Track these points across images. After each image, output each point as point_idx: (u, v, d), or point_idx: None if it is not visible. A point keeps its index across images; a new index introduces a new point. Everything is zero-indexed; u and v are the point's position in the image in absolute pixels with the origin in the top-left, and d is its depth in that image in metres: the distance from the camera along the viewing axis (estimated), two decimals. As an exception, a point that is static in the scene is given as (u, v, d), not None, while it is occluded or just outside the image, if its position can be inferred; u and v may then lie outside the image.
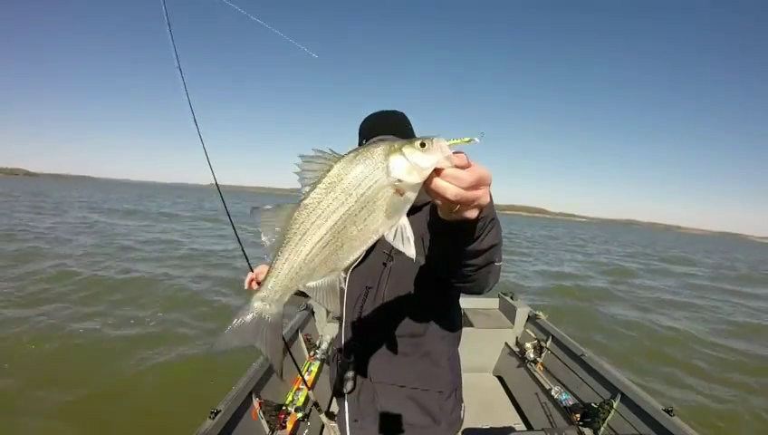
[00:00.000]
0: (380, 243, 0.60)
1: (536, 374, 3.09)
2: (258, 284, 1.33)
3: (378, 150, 0.56)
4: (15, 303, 6.28)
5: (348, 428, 1.20)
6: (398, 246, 0.58)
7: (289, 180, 0.63)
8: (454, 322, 1.24)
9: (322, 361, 3.04)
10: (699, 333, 8.00)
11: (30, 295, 6.69)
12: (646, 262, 22.69)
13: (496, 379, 3.55)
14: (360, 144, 1.27)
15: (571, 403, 2.70)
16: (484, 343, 3.58)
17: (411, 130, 1.29)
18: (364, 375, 1.18)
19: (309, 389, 2.28)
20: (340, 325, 1.26)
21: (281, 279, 0.64)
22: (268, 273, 0.65)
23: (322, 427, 2.49)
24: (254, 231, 0.61)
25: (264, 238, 0.63)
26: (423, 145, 0.54)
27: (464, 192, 0.54)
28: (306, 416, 2.37)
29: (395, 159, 0.55)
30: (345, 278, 1.21)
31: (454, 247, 0.73)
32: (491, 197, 0.63)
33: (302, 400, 2.48)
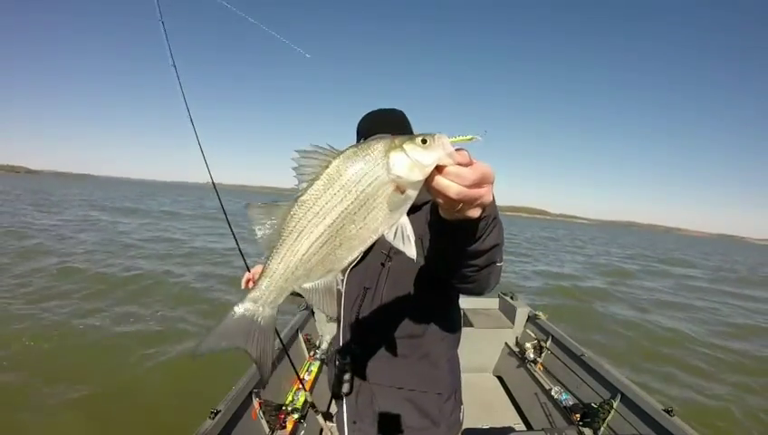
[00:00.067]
0: (379, 243, 0.59)
1: (536, 374, 3.09)
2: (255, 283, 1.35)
3: (378, 146, 0.55)
4: (20, 299, 6.30)
5: (346, 429, 1.19)
6: (399, 245, 0.57)
7: (291, 180, 0.60)
8: (453, 323, 1.23)
9: (322, 361, 3.03)
10: (698, 333, 8.00)
11: (34, 292, 6.71)
12: (646, 263, 22.69)
13: (496, 379, 3.55)
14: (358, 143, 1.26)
15: (570, 403, 2.70)
16: (484, 343, 3.58)
17: (410, 128, 1.27)
18: (362, 377, 1.17)
19: (306, 390, 2.27)
20: (338, 327, 1.25)
21: (275, 280, 0.61)
22: (262, 273, 0.62)
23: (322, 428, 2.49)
24: (250, 229, 0.60)
25: (258, 236, 0.60)
26: (424, 141, 0.52)
27: (466, 190, 0.52)
28: (303, 417, 2.37)
29: (396, 156, 0.53)
30: (343, 280, 1.19)
31: (455, 247, 0.72)
32: (493, 195, 0.61)
33: (301, 401, 2.47)
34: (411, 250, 0.56)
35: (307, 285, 0.62)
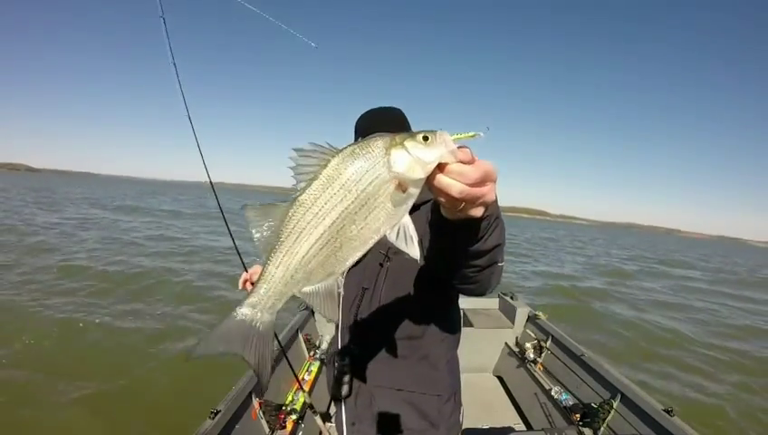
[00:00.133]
0: (377, 242, 0.58)
1: (536, 374, 3.09)
2: (253, 285, 1.34)
3: (378, 144, 0.53)
4: (24, 297, 6.32)
5: (345, 431, 1.19)
6: (401, 246, 0.55)
7: (291, 179, 0.58)
8: (453, 324, 1.21)
9: (322, 361, 3.03)
10: (697, 334, 8.01)
11: (38, 290, 6.75)
12: (645, 265, 22.70)
13: (496, 379, 3.55)
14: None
15: (570, 403, 2.70)
16: (484, 343, 3.58)
17: (409, 127, 1.26)
18: (361, 378, 1.16)
19: (305, 391, 2.26)
20: (337, 328, 1.24)
21: (274, 284, 0.59)
22: (260, 277, 0.60)
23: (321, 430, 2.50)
24: (247, 231, 0.58)
25: (255, 239, 0.58)
26: (426, 138, 0.51)
27: (469, 189, 0.51)
28: (302, 418, 2.37)
29: (397, 153, 0.52)
30: (343, 282, 1.18)
31: (456, 247, 0.70)
32: (495, 194, 0.60)
33: (301, 401, 2.47)
34: (414, 251, 0.55)
35: (307, 289, 0.60)
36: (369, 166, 0.52)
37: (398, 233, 0.55)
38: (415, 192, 0.53)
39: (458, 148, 0.51)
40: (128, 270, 8.58)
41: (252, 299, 0.61)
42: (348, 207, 0.53)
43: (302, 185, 0.55)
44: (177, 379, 4.12)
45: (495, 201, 0.61)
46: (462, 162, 0.51)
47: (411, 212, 0.56)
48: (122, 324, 5.54)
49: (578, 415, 2.55)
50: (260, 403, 2.27)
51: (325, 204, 0.54)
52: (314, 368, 2.96)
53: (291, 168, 0.55)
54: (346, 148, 0.54)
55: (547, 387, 2.90)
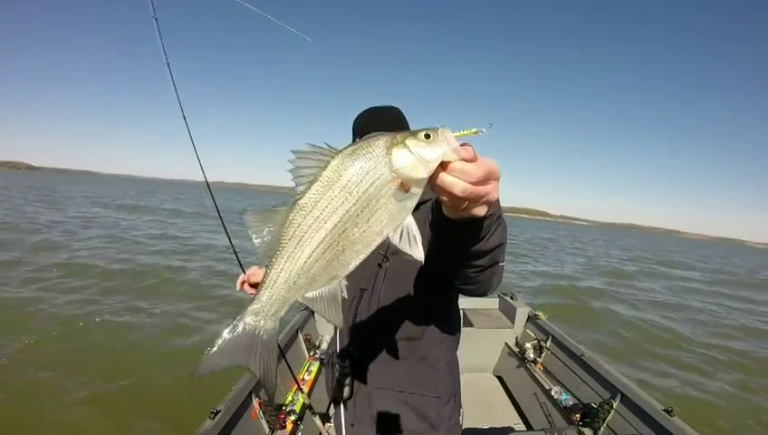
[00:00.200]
0: None
1: (536, 374, 3.09)
2: (251, 286, 1.31)
3: (379, 143, 0.52)
4: (27, 295, 6.34)
5: (344, 432, 1.18)
6: (405, 248, 0.53)
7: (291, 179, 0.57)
8: (453, 324, 1.20)
9: (322, 361, 3.03)
10: (697, 334, 8.02)
11: (40, 288, 6.78)
12: (645, 265, 22.73)
13: (496, 379, 3.55)
14: (354, 141, 1.22)
15: (570, 403, 2.70)
16: (484, 343, 3.58)
17: (407, 126, 1.25)
18: (360, 380, 1.15)
19: (304, 392, 2.26)
20: (335, 329, 1.24)
21: (277, 290, 0.58)
22: (262, 284, 0.59)
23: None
24: (248, 237, 0.57)
25: (256, 245, 0.57)
26: (428, 136, 0.50)
27: (472, 187, 0.50)
28: (302, 418, 2.37)
29: (398, 153, 0.50)
30: (347, 286, 1.18)
31: (458, 247, 0.69)
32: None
33: (300, 401, 2.47)
34: (419, 253, 0.53)
35: (310, 295, 0.58)
36: (371, 166, 0.51)
37: (401, 235, 0.54)
38: (418, 192, 0.52)
39: (460, 145, 0.50)
40: (131, 268, 8.63)
41: (254, 307, 0.60)
42: (349, 209, 0.52)
43: (302, 188, 0.53)
44: (177, 379, 4.12)
45: (497, 200, 0.60)
46: (464, 160, 0.50)
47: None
48: (123, 323, 5.55)
49: (578, 415, 2.55)
50: (260, 403, 2.27)
51: (326, 207, 0.52)
52: (314, 368, 2.96)
53: (289, 171, 0.53)
54: (346, 148, 0.53)
55: (547, 387, 2.90)
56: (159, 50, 1.86)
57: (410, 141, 0.51)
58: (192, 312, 6.30)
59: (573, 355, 3.00)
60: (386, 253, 1.09)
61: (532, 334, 3.53)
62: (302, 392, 2.27)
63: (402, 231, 0.54)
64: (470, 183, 0.50)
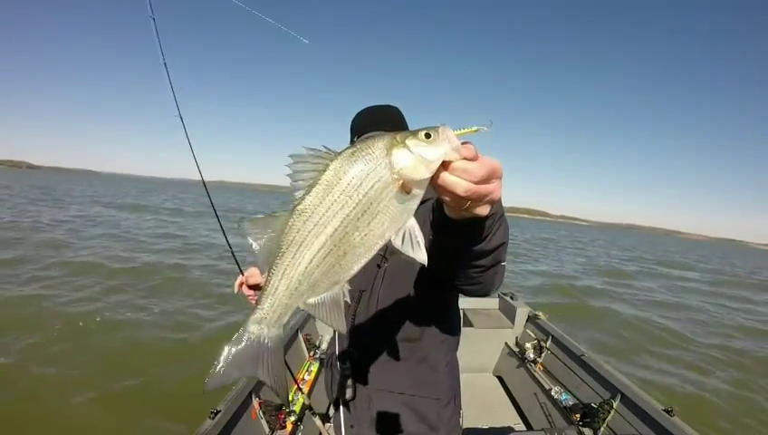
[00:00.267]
0: None
1: (536, 374, 3.09)
2: (249, 287, 1.30)
3: (378, 144, 0.51)
4: (29, 293, 6.36)
5: (344, 433, 1.18)
6: (408, 251, 0.52)
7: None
8: (453, 325, 1.19)
9: (322, 361, 3.03)
10: (696, 334, 8.03)
11: (48, 286, 6.81)
12: (645, 266, 22.75)
13: (496, 379, 3.55)
14: (352, 141, 1.21)
15: (570, 403, 2.70)
16: (484, 343, 3.58)
17: (406, 125, 1.24)
18: (359, 381, 1.14)
19: (304, 393, 2.26)
20: (334, 330, 1.24)
21: (278, 297, 0.57)
22: (263, 291, 0.58)
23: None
24: (248, 244, 0.57)
25: (256, 251, 0.56)
26: (428, 136, 0.49)
27: (475, 187, 0.49)
28: (302, 419, 2.37)
29: (398, 153, 0.50)
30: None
31: (460, 247, 0.68)
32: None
33: (300, 402, 2.47)
34: (422, 255, 0.52)
35: (312, 300, 0.58)
36: (370, 168, 0.50)
37: (403, 237, 0.53)
38: (420, 193, 0.51)
39: (461, 144, 0.49)
40: (133, 267, 8.66)
41: (257, 315, 0.59)
42: (350, 213, 0.51)
43: (301, 193, 0.53)
44: (178, 378, 4.12)
45: (500, 199, 0.59)
46: (466, 159, 0.49)
47: None
48: (125, 322, 5.56)
49: (578, 415, 2.55)
50: (260, 403, 2.27)
51: (326, 212, 0.52)
52: (314, 368, 2.96)
53: (288, 175, 0.53)
54: (345, 150, 0.52)
55: (547, 387, 2.90)
56: (157, 49, 1.85)
57: (410, 141, 0.50)
58: (194, 310, 6.32)
59: (573, 355, 3.00)
60: (385, 253, 1.09)
61: (532, 334, 3.53)
62: (302, 392, 2.27)
63: (404, 234, 0.53)
64: (473, 182, 0.49)
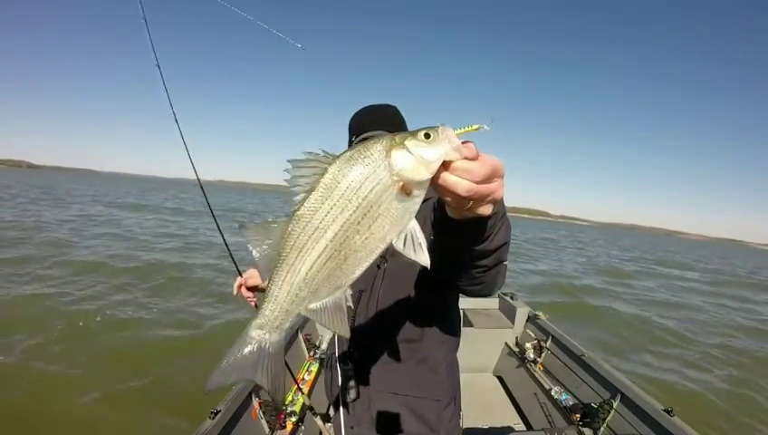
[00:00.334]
0: None
1: (536, 374, 3.09)
2: (248, 289, 1.31)
3: (377, 146, 0.50)
4: (30, 292, 6.38)
5: (344, 434, 1.18)
6: (410, 254, 0.52)
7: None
8: (453, 325, 1.18)
9: (322, 361, 3.03)
10: (696, 333, 8.03)
11: (52, 285, 6.84)
12: (645, 266, 22.77)
13: (496, 379, 3.54)
14: (350, 141, 1.21)
15: (570, 403, 2.70)
16: (484, 343, 3.58)
17: (404, 124, 1.23)
18: (359, 382, 1.14)
19: (304, 393, 2.27)
20: (331, 330, 1.24)
21: (279, 303, 0.57)
22: (264, 297, 0.58)
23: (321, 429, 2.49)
24: (248, 251, 0.57)
25: (257, 258, 0.56)
26: (428, 136, 0.48)
27: (477, 186, 0.48)
28: (302, 419, 2.36)
29: (398, 155, 0.49)
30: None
31: (462, 248, 0.68)
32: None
33: (300, 402, 2.47)
34: (424, 258, 0.52)
35: (314, 306, 0.57)
36: (369, 171, 0.49)
37: (405, 240, 0.52)
38: (421, 194, 0.51)
39: (462, 143, 0.49)
40: (137, 266, 8.69)
41: (258, 321, 0.60)
42: (349, 217, 0.50)
43: (300, 197, 0.52)
44: (179, 377, 4.14)
45: (502, 198, 0.58)
46: (467, 158, 0.48)
47: None
48: (127, 321, 5.58)
49: (578, 415, 2.55)
50: (260, 403, 2.27)
51: (325, 216, 0.51)
52: (314, 368, 2.96)
53: (286, 180, 0.52)
54: (343, 153, 0.52)
55: (547, 387, 2.90)
56: (150, 51, 1.84)
57: (410, 142, 0.49)
58: (196, 308, 6.35)
59: (573, 355, 3.00)
60: (384, 254, 1.08)
61: (532, 334, 3.53)
62: (302, 393, 2.28)
63: (406, 236, 0.52)
64: (474, 182, 0.48)
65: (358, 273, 0.55)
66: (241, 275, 1.35)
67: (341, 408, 1.18)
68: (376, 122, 1.17)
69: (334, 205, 0.50)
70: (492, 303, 4.08)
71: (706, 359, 6.53)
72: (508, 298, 3.93)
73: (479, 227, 0.61)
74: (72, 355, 4.47)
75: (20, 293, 6.26)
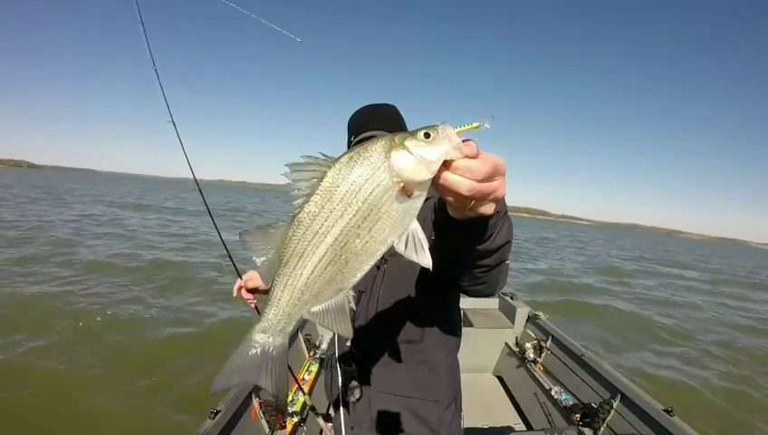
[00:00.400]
0: None
1: (536, 374, 3.09)
2: (249, 291, 1.30)
3: (376, 147, 0.49)
4: (30, 292, 6.38)
5: (344, 434, 1.17)
6: (411, 256, 0.51)
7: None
8: (453, 326, 1.17)
9: (322, 361, 3.03)
10: (696, 332, 8.03)
11: (55, 284, 6.85)
12: (645, 265, 22.78)
13: (496, 379, 3.54)
14: (349, 141, 1.20)
15: (570, 403, 2.70)
16: (484, 343, 3.58)
17: (404, 123, 1.22)
18: (359, 383, 1.13)
19: (305, 393, 2.27)
20: (334, 332, 1.23)
21: (282, 307, 0.57)
22: (267, 302, 0.59)
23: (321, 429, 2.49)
24: (249, 257, 0.57)
25: (258, 263, 0.56)
26: (428, 135, 0.47)
27: (479, 185, 0.48)
28: (304, 420, 2.36)
29: (397, 155, 0.48)
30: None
31: (463, 248, 0.67)
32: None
33: (300, 402, 2.47)
34: (426, 259, 0.51)
35: (316, 309, 0.57)
36: (369, 173, 0.49)
37: (406, 242, 0.51)
38: (421, 195, 0.50)
39: (462, 141, 0.48)
40: (140, 266, 8.71)
41: (261, 325, 0.60)
42: (349, 221, 0.50)
43: (300, 202, 0.52)
44: (182, 376, 4.14)
45: (503, 196, 0.57)
46: (468, 157, 0.47)
47: None
48: (129, 320, 5.59)
49: (578, 415, 2.55)
50: (260, 403, 2.27)
51: (325, 220, 0.51)
52: (314, 368, 2.96)
53: (285, 185, 0.52)
54: (342, 156, 0.51)
55: (547, 387, 2.90)
56: (148, 55, 1.84)
57: (409, 142, 0.48)
58: (199, 307, 6.35)
59: (573, 355, 3.00)
60: (384, 254, 1.07)
61: (532, 334, 3.53)
62: (303, 393, 2.28)
63: (407, 238, 0.51)
64: (476, 181, 0.48)
65: (359, 276, 0.55)
66: (240, 277, 1.34)
67: (342, 408, 1.17)
68: (375, 122, 1.16)
69: (334, 209, 0.50)
70: (492, 303, 4.08)
71: (706, 357, 6.54)
72: (508, 298, 3.93)
73: (481, 226, 0.60)
74: (74, 354, 4.48)
75: (24, 292, 6.27)
